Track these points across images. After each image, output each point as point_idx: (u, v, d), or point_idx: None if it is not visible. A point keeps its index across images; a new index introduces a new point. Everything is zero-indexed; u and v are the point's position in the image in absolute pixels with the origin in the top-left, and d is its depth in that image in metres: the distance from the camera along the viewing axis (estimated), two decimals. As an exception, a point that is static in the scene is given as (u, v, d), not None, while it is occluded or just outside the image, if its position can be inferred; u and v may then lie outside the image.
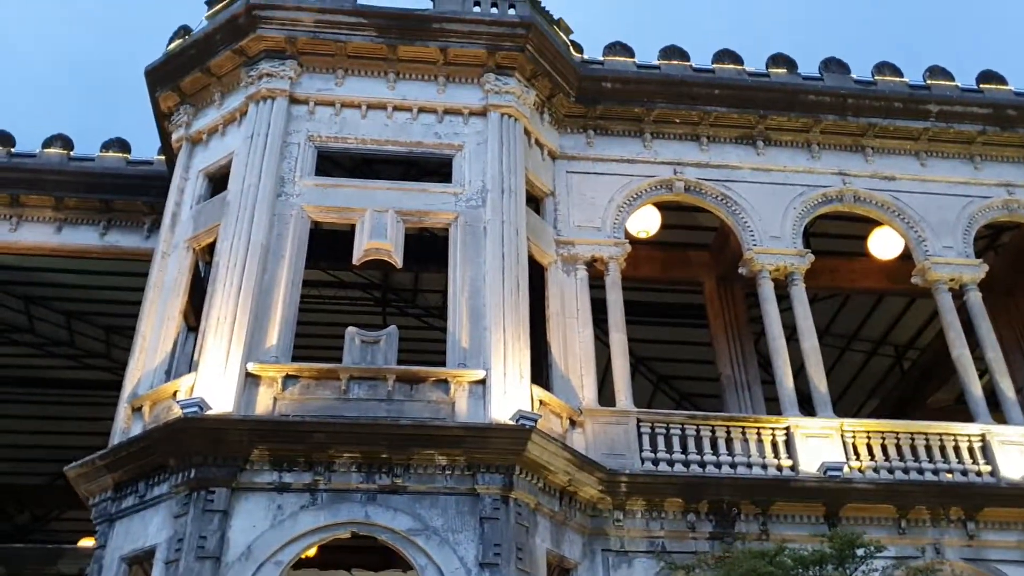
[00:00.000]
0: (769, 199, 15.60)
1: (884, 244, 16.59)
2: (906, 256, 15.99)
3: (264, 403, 11.68)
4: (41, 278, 17.25)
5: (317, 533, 10.95)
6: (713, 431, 13.39)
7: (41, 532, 22.04)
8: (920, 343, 20.01)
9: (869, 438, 13.64)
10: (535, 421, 11.67)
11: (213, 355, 11.97)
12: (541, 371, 13.25)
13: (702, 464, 13.03)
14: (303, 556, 11.09)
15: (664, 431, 13.27)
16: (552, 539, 11.70)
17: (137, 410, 12.55)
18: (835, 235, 17.02)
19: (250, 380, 11.78)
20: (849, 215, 16.17)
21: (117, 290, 17.09)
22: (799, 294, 14.91)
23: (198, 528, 10.66)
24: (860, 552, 10.15)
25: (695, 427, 13.41)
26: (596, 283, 14.51)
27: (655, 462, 12.93)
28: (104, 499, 11.95)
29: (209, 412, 11.26)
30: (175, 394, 12.03)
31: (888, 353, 20.67)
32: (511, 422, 11.61)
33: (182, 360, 13.18)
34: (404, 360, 12.39)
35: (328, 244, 14.27)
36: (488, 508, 11.17)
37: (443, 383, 12.10)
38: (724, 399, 16.08)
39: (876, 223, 16.30)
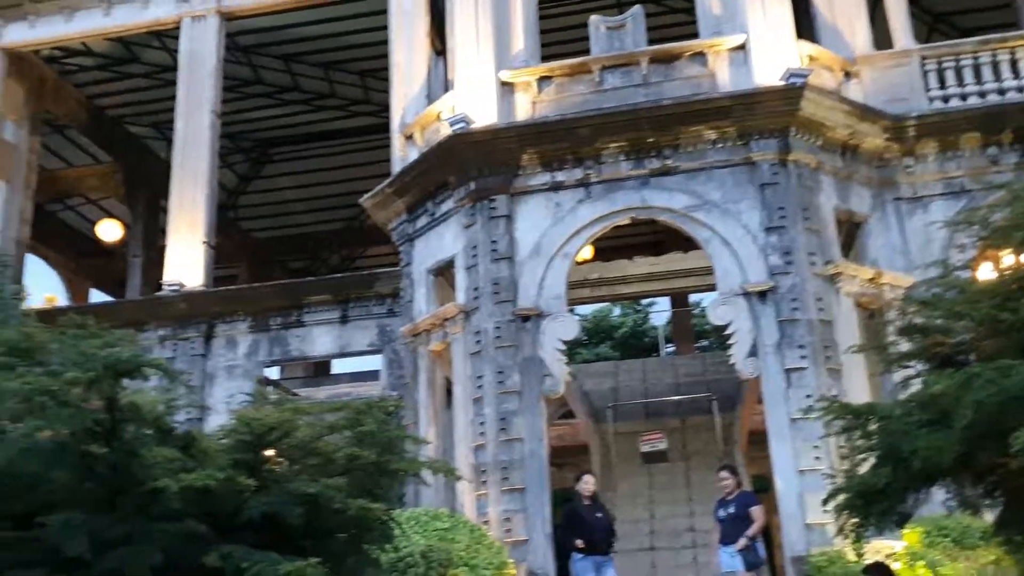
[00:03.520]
0: None
1: None
2: None
3: (523, 108, 11.79)
4: (295, 34, 17.98)
5: (597, 223, 11.27)
6: (1012, 53, 11.90)
7: (350, 269, 24.63)
8: None
9: None
10: (805, 77, 10.93)
11: (466, 71, 12.12)
12: (804, 24, 12.22)
13: (1001, 92, 11.76)
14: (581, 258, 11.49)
15: (953, 64, 12.00)
16: (838, 195, 11.29)
17: (409, 138, 13.17)
18: None
19: (505, 89, 11.87)
20: None
21: (365, 32, 17.50)
22: None
23: (487, 234, 11.33)
24: None
25: (990, 53, 11.97)
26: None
27: (945, 99, 11.84)
28: (400, 223, 12.94)
29: (474, 126, 11.56)
30: (439, 116, 12.43)
31: None
32: (780, 83, 10.94)
33: (437, 84, 13.48)
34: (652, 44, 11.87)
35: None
36: (767, 174, 10.88)
37: (699, 56, 11.53)
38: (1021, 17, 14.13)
39: None
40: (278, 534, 6.02)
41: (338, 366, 23.71)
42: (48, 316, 12.90)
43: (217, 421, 10.06)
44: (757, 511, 9.66)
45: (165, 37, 17.00)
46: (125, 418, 4.97)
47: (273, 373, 19.44)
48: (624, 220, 11.32)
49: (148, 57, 18.43)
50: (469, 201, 11.60)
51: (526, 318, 10.91)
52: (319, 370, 23.48)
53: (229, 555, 5.25)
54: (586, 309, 29.76)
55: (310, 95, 20.59)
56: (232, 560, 5.24)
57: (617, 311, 33.64)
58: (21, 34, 16.51)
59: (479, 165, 11.47)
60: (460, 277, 11.64)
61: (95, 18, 16.30)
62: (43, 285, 25.28)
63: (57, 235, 22.24)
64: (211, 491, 5.25)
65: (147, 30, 16.54)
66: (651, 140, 11.14)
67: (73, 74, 18.64)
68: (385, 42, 14.60)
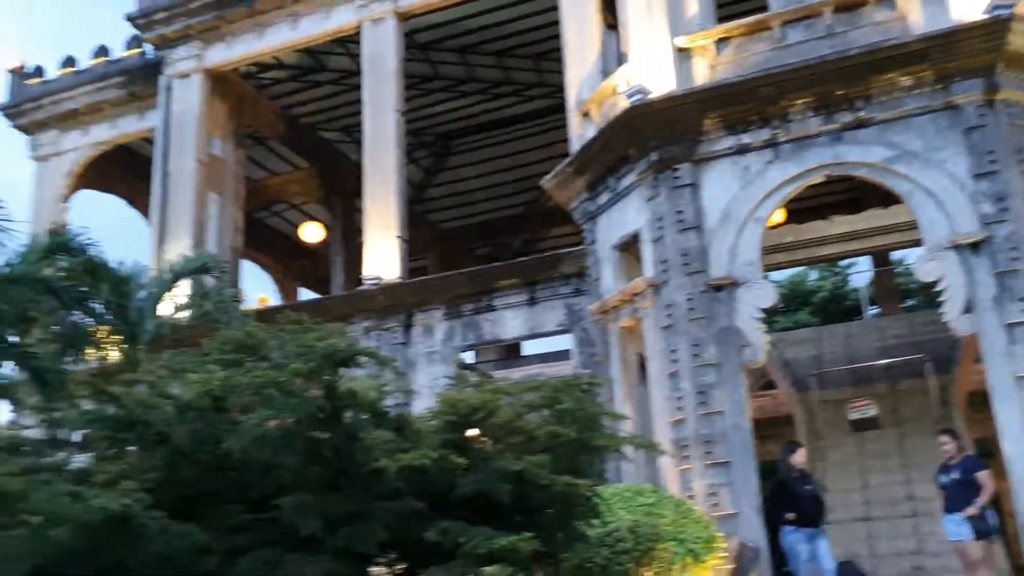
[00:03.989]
0: None
1: None
2: None
3: (701, 73, 11.51)
4: (468, 26, 18.36)
5: (788, 184, 10.85)
6: None
7: (533, 252, 24.97)
8: None
9: None
10: (1011, 7, 10.02)
11: (640, 41, 11.97)
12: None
13: None
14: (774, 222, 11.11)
15: None
16: (1058, 132, 10.31)
17: (585, 115, 13.17)
18: None
19: (682, 55, 11.62)
20: None
21: (536, 15, 17.62)
22: None
23: (672, 205, 11.16)
24: None
25: None
26: None
27: None
28: (581, 201, 12.98)
29: (652, 95, 11.40)
30: (614, 90, 12.34)
31: None
32: (982, 16, 10.11)
33: (610, 58, 13.38)
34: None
35: None
36: (972, 117, 10.10)
37: (887, 0, 10.85)
38: None
39: None
40: (487, 511, 6.24)
41: (527, 348, 24.14)
42: (264, 316, 13.93)
43: (422, 405, 10.50)
44: (984, 476, 9.07)
45: (348, 43, 17.80)
46: (344, 404, 5.28)
47: (468, 357, 20.02)
48: (817, 179, 10.85)
49: (334, 64, 19.38)
50: (651, 173, 11.47)
51: (719, 288, 10.69)
52: (510, 352, 23.99)
53: (447, 531, 5.50)
54: (781, 275, 28.72)
55: (486, 84, 20.98)
56: (450, 535, 5.49)
57: (814, 275, 32.28)
58: (220, 55, 17.78)
59: (659, 135, 11.31)
60: (646, 251, 11.55)
61: (283, 32, 17.31)
62: (257, 287, 27.18)
63: (266, 240, 23.89)
64: (426, 470, 5.51)
65: (331, 38, 17.37)
66: (840, 93, 10.60)
67: (268, 87, 19.89)
68: (556, 23, 14.67)
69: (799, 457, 10.18)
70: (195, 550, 5.60)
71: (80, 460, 8.68)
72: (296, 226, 24.04)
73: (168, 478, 6.15)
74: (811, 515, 9.83)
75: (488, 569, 5.69)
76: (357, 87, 17.05)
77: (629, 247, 12.17)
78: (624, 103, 11.64)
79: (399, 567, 7.38)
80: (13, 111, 19.81)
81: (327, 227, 22.53)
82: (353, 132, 20.85)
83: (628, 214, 12.00)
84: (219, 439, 5.67)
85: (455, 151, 23.69)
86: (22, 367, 11.30)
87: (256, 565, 5.42)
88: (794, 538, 9.71)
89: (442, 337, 15.33)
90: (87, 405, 8.92)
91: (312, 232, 23.38)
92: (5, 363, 11.12)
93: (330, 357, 5.04)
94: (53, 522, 4.72)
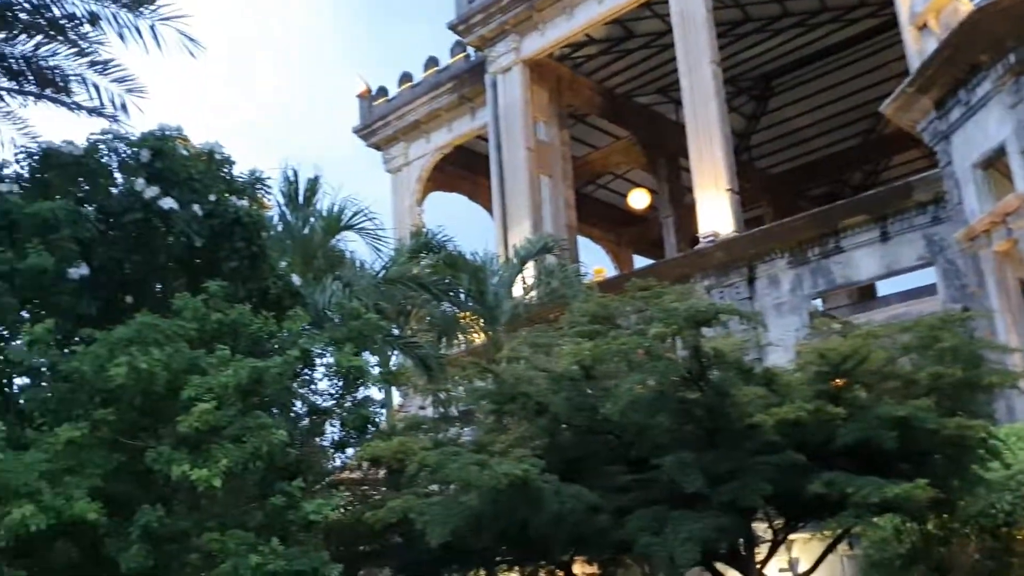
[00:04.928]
0: None
1: None
2: None
3: (1060, -47, 10.04)
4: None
5: None
6: None
7: (875, 185, 23.30)
8: None
9: None
10: None
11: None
12: None
13: None
14: None
15: None
16: None
17: (922, 27, 12.05)
18: None
19: (1032, -63, 10.21)
20: None
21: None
22: None
23: (1042, 109, 9.88)
24: None
25: None
26: None
27: None
28: (929, 121, 11.90)
29: (1002, -8, 10.16)
30: (954, -7, 11.16)
31: None
32: None
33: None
34: None
35: None
36: None
37: None
38: None
39: None
40: (869, 460, 6.00)
41: (882, 287, 22.61)
42: (607, 286, 14.37)
43: (777, 359, 10.27)
44: None
45: (654, 5, 17.74)
46: (710, 363, 5.34)
47: (816, 305, 19.21)
48: None
49: (642, 28, 19.42)
50: (1011, 77, 10.25)
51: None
52: (862, 295, 22.62)
53: (832, 482, 5.38)
54: None
55: (802, 15, 19.91)
56: (835, 486, 5.36)
57: None
58: (535, 43, 18.54)
59: (1017, 33, 10.05)
60: (1015, 163, 10.33)
61: (591, 8, 17.65)
62: (592, 260, 28.07)
63: (595, 213, 24.58)
64: (801, 423, 5.43)
65: (637, 3, 17.41)
66: None
67: (581, 65, 20.39)
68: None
69: None
70: (586, 510, 5.98)
71: (465, 433, 9.61)
72: (623, 195, 24.49)
73: (550, 444, 6.63)
74: None
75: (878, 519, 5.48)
76: (668, 47, 16.98)
77: (993, 163, 10.96)
78: (966, 6, 10.50)
79: (777, 522, 7.33)
80: (366, 132, 22.13)
81: (653, 191, 22.71)
82: (669, 92, 20.83)
83: (988, 127, 10.81)
84: (593, 405, 5.99)
85: (776, 92, 22.78)
86: (407, 355, 12.72)
87: (644, 523, 5.67)
88: None
89: (789, 287, 14.86)
90: (467, 385, 9.82)
91: (639, 198, 23.72)
92: (393, 353, 12.60)
93: (692, 318, 5.12)
94: (464, 489, 5.28)
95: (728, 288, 15.40)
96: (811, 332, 7.37)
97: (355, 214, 12.36)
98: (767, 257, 14.97)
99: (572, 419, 6.28)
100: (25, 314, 7.34)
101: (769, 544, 7.34)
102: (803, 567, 8.38)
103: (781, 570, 9.60)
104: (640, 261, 25.77)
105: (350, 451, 10.34)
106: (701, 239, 15.59)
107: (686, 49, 16.14)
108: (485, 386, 7.09)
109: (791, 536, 7.75)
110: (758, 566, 7.02)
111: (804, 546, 10.34)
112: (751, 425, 5.46)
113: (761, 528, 7.28)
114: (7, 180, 7.92)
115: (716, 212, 15.47)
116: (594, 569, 9.01)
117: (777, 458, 5.58)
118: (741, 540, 6.78)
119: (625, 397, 5.48)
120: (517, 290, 15.10)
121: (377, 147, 22.18)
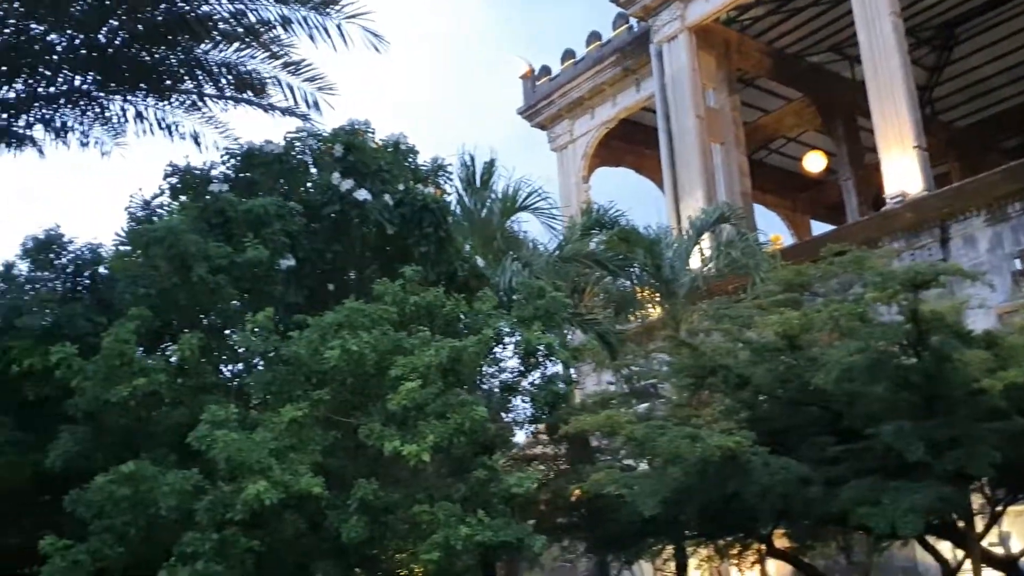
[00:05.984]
0: None
1: None
2: None
3: None
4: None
5: None
6: None
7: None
8: None
9: None
10: None
11: None
12: None
13: None
14: None
15: None
16: None
17: None
18: None
19: None
20: None
21: None
22: None
23: None
24: None
25: None
26: None
27: None
28: None
29: None
30: None
31: None
32: None
33: None
34: None
35: None
36: None
37: None
38: None
39: None
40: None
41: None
42: (789, 253, 13.91)
43: (980, 323, 9.66)
44: None
45: (826, -41, 16.98)
46: (929, 328, 5.10)
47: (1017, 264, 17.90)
48: None
49: (814, -16, 18.61)
50: None
51: None
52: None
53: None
54: None
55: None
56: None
57: None
58: (701, 8, 18.08)
59: None
60: None
61: (759, -32, 17.06)
62: (767, 228, 27.22)
63: (768, 179, 23.78)
64: (1030, 387, 5.10)
65: (808, -41, 16.70)
66: None
67: (748, 27, 19.73)
68: None
69: None
70: (794, 481, 5.86)
71: (656, 408, 9.57)
72: (796, 159, 23.57)
73: (752, 417, 6.52)
74: None
75: None
76: (841, 1, 16.17)
77: None
78: None
79: (998, 491, 6.93)
80: (530, 112, 22.28)
81: (829, 153, 21.75)
82: (843, 49, 19.85)
83: None
84: (800, 376, 5.84)
85: (961, 40, 21.26)
86: (585, 331, 12.79)
87: (860, 493, 5.49)
88: None
89: (987, 246, 13.92)
90: (647, 360, 9.77)
91: (814, 162, 22.76)
92: (572, 330, 12.70)
93: (911, 281, 4.89)
94: (672, 462, 5.28)
95: (919, 250, 14.60)
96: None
97: (529, 194, 12.54)
98: (962, 216, 14.08)
99: (775, 391, 6.16)
100: (236, 303, 7.89)
101: (987, 517, 6.97)
102: (1014, 541, 7.90)
103: (991, 544, 9.08)
104: (817, 227, 24.80)
105: (534, 427, 10.51)
106: (888, 200, 14.82)
107: (863, 2, 15.33)
108: (679, 360, 7.04)
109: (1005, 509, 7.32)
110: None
111: (1015, 520, 9.75)
112: (973, 391, 5.18)
113: (975, 500, 6.91)
114: (216, 180, 8.54)
115: (903, 171, 14.67)
116: (790, 544, 8.81)
117: (1004, 424, 5.27)
118: (954, 513, 6.47)
119: (839, 366, 5.30)
120: (693, 262, 14.86)
121: (542, 127, 22.30)
